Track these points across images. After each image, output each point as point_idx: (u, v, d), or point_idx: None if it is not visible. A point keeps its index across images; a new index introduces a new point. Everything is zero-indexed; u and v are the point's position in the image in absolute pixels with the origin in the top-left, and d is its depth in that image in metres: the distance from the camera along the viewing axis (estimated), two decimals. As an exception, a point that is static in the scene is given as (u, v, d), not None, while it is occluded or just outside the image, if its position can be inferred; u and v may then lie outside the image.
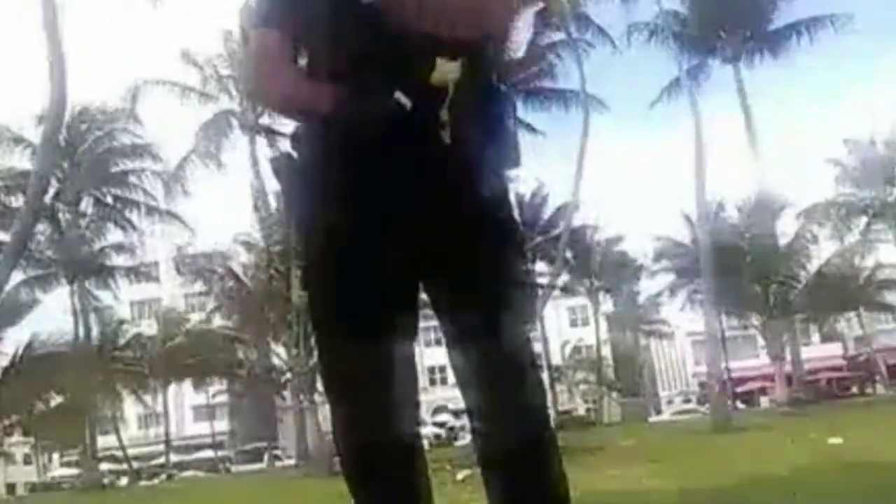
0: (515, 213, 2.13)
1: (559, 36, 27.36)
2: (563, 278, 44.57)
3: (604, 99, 28.89)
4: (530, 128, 28.37)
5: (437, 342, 2.05)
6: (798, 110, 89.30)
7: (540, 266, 40.19)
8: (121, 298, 40.91)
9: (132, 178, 35.98)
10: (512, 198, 2.16)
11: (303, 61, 1.98)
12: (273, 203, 24.97)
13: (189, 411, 58.22)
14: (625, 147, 78.54)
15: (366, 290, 1.89)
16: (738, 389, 48.13)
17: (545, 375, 43.82)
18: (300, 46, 1.95)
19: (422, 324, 2.05)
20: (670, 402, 63.34)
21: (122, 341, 41.18)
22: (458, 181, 1.85)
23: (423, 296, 2.02)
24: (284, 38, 1.93)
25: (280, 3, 1.98)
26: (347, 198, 1.88)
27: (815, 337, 53.17)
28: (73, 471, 42.27)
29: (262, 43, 1.97)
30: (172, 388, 46.19)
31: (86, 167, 34.18)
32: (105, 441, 39.43)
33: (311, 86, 1.91)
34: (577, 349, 58.53)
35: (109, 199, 36.01)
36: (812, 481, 4.92)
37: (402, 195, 1.85)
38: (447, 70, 1.81)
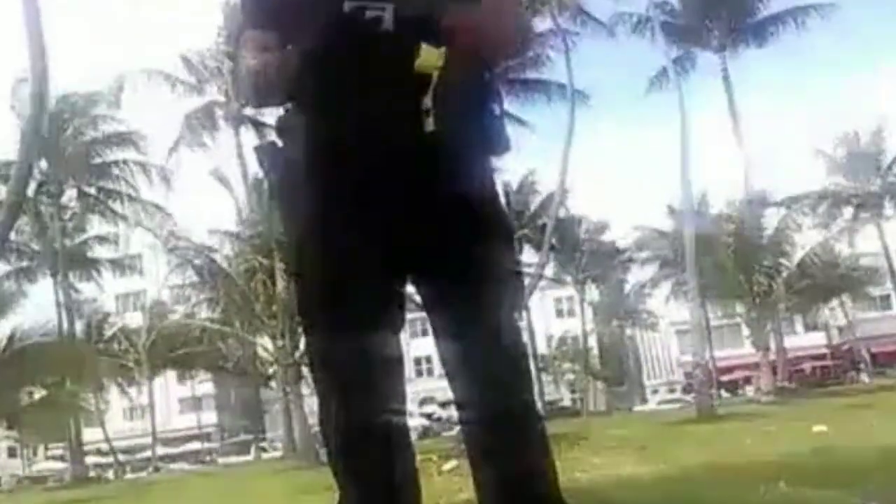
0: (502, 201, 2.12)
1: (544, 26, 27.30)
2: (550, 269, 44.59)
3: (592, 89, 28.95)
4: (517, 120, 28.39)
5: (424, 333, 2.05)
6: (786, 100, 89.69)
7: (526, 256, 40.18)
8: (105, 291, 40.66)
9: (115, 169, 35.66)
10: (499, 186, 2.14)
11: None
12: (256, 194, 24.87)
13: (175, 403, 58.06)
14: (610, 139, 78.73)
15: (353, 281, 1.87)
16: (723, 379, 48.43)
17: (531, 366, 43.78)
18: (286, 43, 1.93)
19: (408, 315, 2.04)
20: (655, 391, 63.62)
21: (107, 334, 40.99)
22: (442, 169, 1.84)
23: (409, 287, 2.01)
24: (272, 35, 1.93)
25: (264, 4, 1.99)
26: (332, 187, 1.86)
27: (799, 326, 53.44)
28: (59, 464, 42.04)
29: (254, 43, 1.97)
30: (158, 380, 46.01)
31: (68, 156, 33.87)
32: (91, 434, 39.23)
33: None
34: (562, 340, 58.61)
35: (93, 190, 35.71)
36: (797, 468, 4.95)
37: (386, 184, 1.84)
38: (431, 57, 1.80)
